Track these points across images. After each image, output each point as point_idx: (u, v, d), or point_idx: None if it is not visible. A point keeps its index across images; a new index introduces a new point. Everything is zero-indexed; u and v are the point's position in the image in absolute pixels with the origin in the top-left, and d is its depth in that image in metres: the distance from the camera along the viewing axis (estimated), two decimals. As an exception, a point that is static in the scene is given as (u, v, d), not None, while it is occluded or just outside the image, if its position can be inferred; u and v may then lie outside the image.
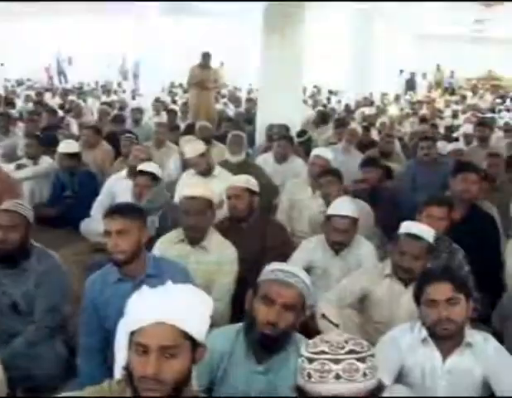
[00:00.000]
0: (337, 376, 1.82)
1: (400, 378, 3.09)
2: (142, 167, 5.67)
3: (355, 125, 9.08)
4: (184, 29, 24.94)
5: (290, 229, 5.80)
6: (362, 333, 3.83)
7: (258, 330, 2.63)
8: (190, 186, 4.67)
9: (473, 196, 5.04)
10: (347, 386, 1.82)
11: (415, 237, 3.76)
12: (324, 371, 1.84)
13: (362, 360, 1.85)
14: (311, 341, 1.94)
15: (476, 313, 4.32)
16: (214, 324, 3.04)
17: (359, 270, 4.20)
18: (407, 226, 3.85)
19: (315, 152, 6.32)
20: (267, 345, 2.67)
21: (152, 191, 5.42)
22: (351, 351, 1.85)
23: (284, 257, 4.43)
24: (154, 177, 5.53)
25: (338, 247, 4.48)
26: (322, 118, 11.83)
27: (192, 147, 6.21)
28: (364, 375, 1.84)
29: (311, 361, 1.87)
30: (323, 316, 3.88)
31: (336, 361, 1.84)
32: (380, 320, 3.87)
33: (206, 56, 11.81)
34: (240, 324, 2.84)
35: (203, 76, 11.63)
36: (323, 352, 1.86)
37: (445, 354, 3.02)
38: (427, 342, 3.03)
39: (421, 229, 3.84)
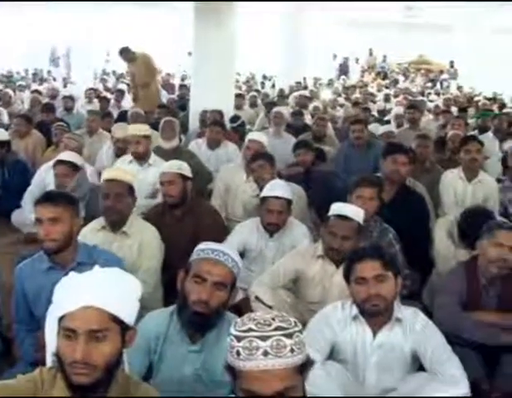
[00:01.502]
0: (265, 353, 1.85)
1: (333, 355, 3.16)
2: (60, 156, 5.54)
3: (281, 108, 9.05)
4: (117, 16, 24.58)
5: (225, 213, 5.83)
6: (296, 314, 3.89)
7: (191, 309, 2.68)
8: (110, 169, 4.64)
9: (403, 176, 5.15)
10: (275, 362, 1.85)
11: (344, 218, 3.84)
12: (252, 348, 1.86)
13: (289, 336, 1.88)
14: (239, 319, 1.96)
15: (407, 289, 4.46)
16: (143, 308, 3.05)
17: (292, 252, 4.25)
18: (336, 208, 3.93)
19: (249, 136, 6.35)
20: (199, 323, 2.71)
21: (73, 180, 5.32)
22: (278, 328, 1.88)
23: (218, 241, 4.44)
24: (74, 166, 5.42)
25: (272, 229, 4.53)
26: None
27: (137, 126, 6.20)
28: (292, 350, 1.87)
29: (239, 339, 1.90)
30: (257, 298, 3.93)
31: (264, 338, 1.86)
32: (313, 300, 3.94)
33: (124, 52, 11.08)
34: (173, 306, 2.86)
35: (135, 71, 11.14)
36: (251, 330, 1.88)
37: (375, 330, 3.09)
38: (358, 319, 3.10)
39: (350, 210, 3.91)
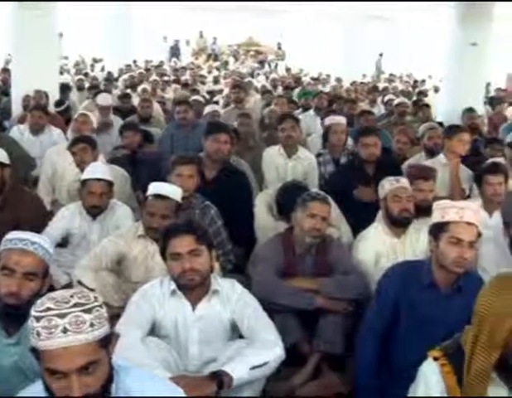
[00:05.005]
0: (64, 330, 1.86)
1: (155, 331, 3.20)
2: None
3: (105, 95, 8.84)
4: None
5: (52, 198, 5.72)
6: (120, 294, 3.93)
7: (1, 301, 2.62)
8: None
9: (225, 155, 5.25)
10: (75, 338, 1.86)
11: (162, 197, 3.89)
12: (51, 326, 1.86)
13: (88, 311, 1.90)
14: (39, 300, 1.95)
15: (231, 263, 4.59)
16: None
17: (114, 233, 4.25)
18: (153, 188, 3.98)
19: (79, 111, 6.27)
20: (12, 315, 2.65)
21: None
22: (76, 304, 1.89)
23: (41, 228, 4.35)
24: None
25: (95, 211, 4.51)
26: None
27: None
28: (92, 325, 1.89)
29: (38, 319, 1.89)
30: (79, 282, 3.90)
31: (62, 316, 1.87)
32: (137, 280, 3.94)
33: None
34: None
35: None
36: (49, 309, 1.88)
37: (194, 303, 3.16)
38: (176, 294, 3.15)
39: (167, 189, 3.97)
